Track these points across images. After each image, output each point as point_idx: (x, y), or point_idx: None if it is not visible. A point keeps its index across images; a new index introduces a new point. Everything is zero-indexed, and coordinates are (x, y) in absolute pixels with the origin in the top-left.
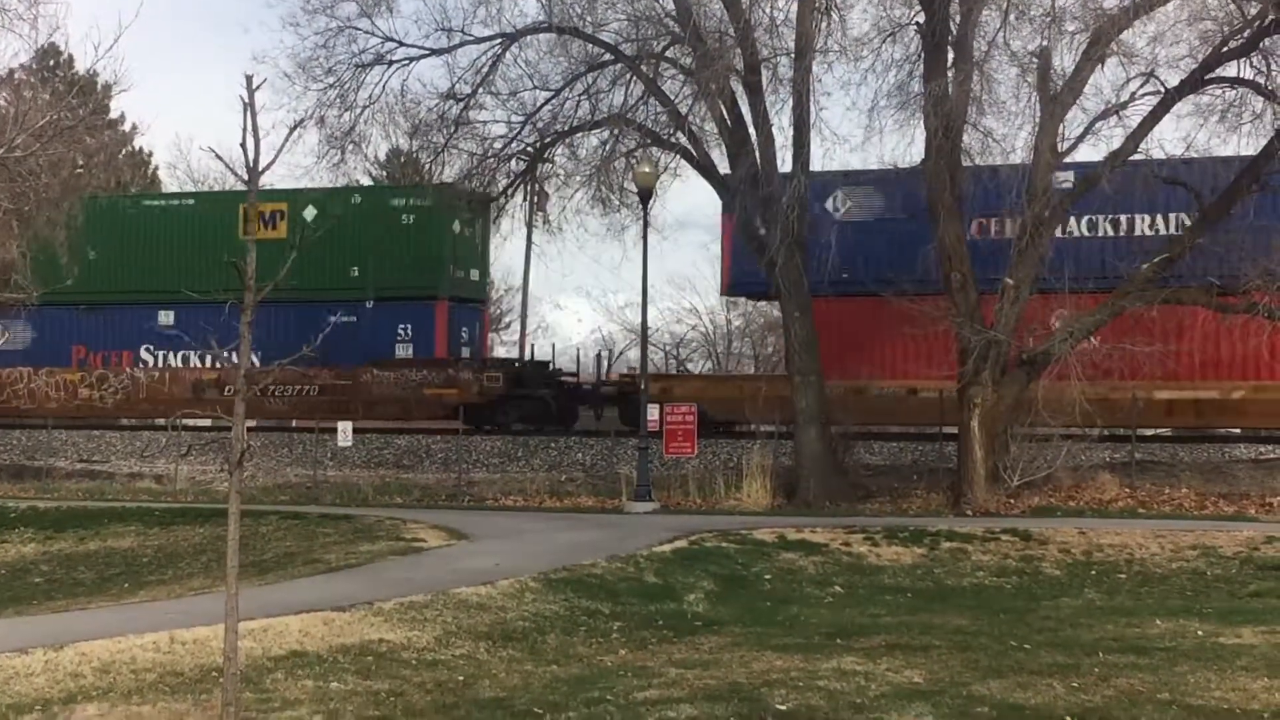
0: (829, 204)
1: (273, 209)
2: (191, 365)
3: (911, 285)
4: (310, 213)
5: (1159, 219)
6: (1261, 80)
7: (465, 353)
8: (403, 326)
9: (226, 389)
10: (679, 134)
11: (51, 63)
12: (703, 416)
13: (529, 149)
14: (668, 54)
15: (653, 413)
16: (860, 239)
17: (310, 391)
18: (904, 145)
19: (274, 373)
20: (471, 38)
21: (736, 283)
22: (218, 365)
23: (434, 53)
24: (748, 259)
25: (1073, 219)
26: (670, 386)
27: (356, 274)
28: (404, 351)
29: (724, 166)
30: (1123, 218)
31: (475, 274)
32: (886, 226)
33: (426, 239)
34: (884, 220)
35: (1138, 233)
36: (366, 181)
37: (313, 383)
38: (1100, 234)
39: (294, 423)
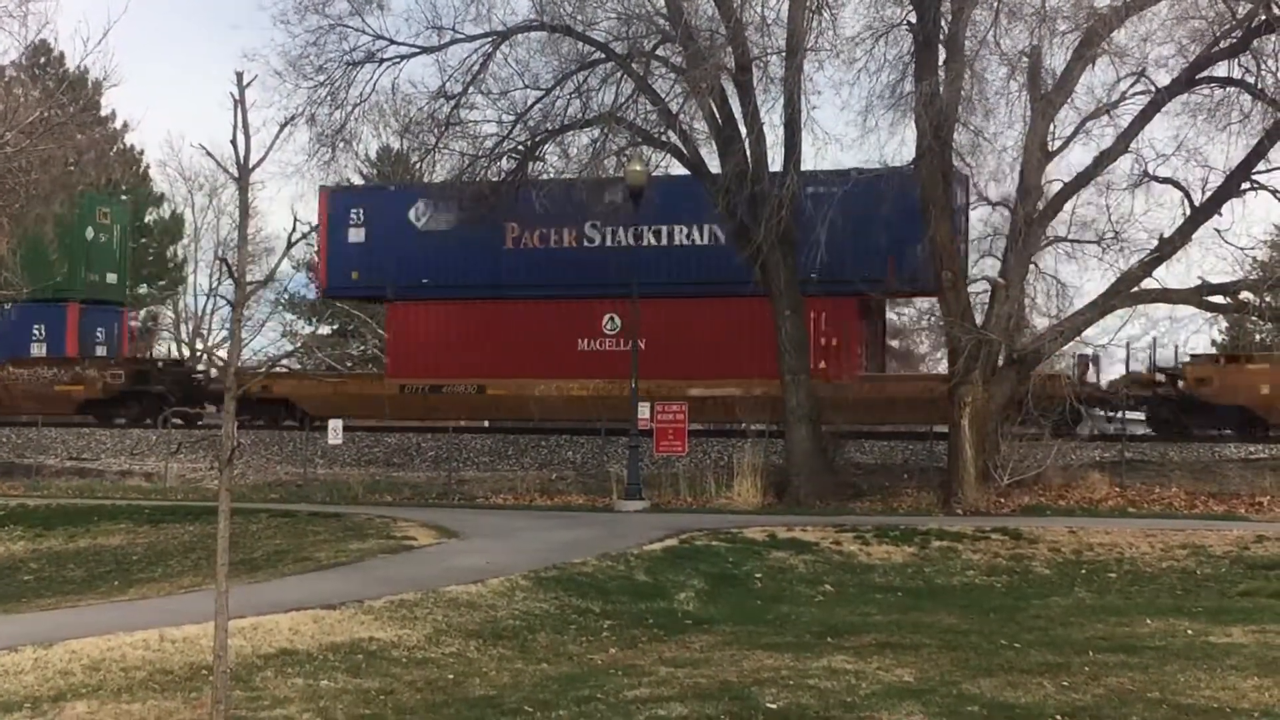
0: (411, 215)
1: None
2: None
3: (490, 290)
4: None
5: (696, 231)
6: (1252, 80)
7: (101, 352)
8: (37, 327)
9: None
10: (670, 132)
11: (42, 60)
12: (299, 411)
13: (520, 147)
14: (658, 52)
15: (643, 411)
16: (440, 248)
17: None
18: (896, 144)
19: None
20: (462, 36)
21: (333, 287)
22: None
23: (425, 51)
24: (343, 264)
25: (622, 229)
26: (270, 384)
27: None
28: (39, 350)
29: (714, 165)
30: (663, 228)
31: (113, 278)
32: (463, 235)
33: (60, 244)
34: (460, 229)
35: (678, 242)
36: (358, 180)
37: None
38: (646, 243)
39: (286, 421)
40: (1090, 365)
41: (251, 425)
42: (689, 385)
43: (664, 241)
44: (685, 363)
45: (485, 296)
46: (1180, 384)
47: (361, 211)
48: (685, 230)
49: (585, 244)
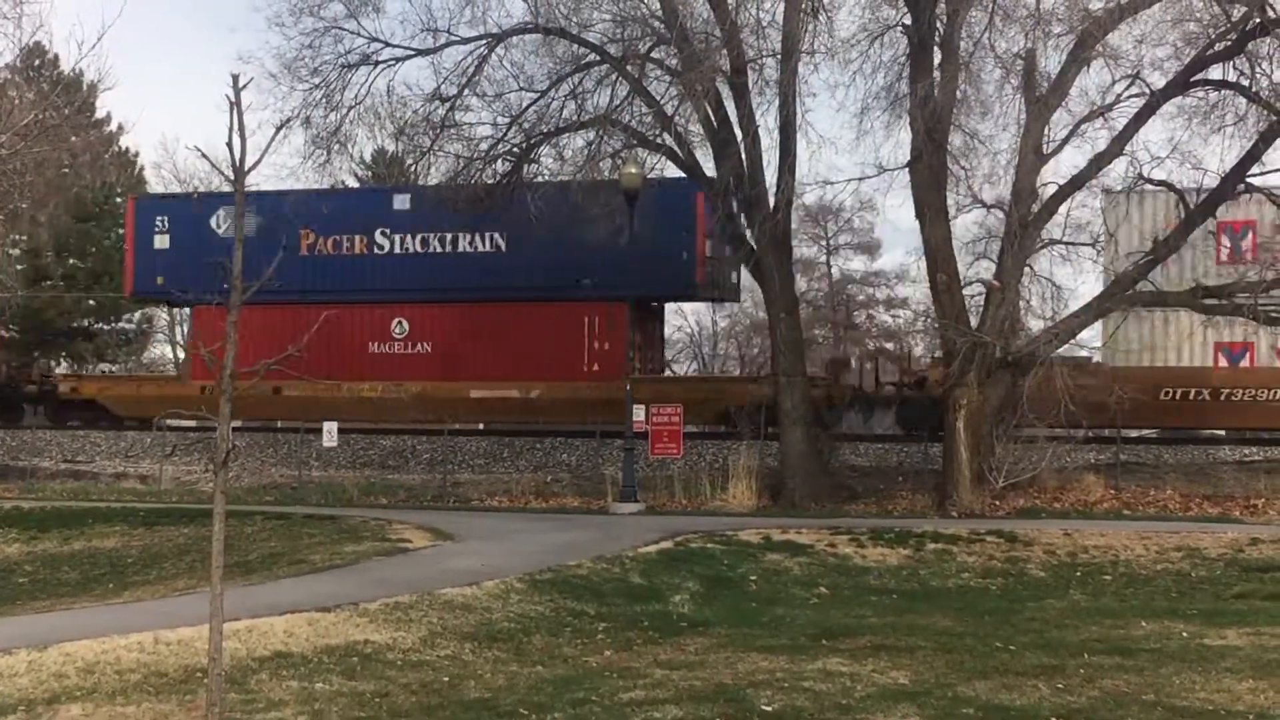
0: (213, 223)
1: None
2: None
3: (286, 295)
4: None
5: (477, 238)
6: (1246, 83)
7: None
8: None
9: None
10: (665, 135)
11: (37, 62)
12: (108, 411)
13: (515, 150)
14: (653, 55)
15: (638, 413)
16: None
17: None
18: (892, 147)
19: None
20: (457, 38)
21: (139, 290)
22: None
23: (420, 53)
24: (149, 269)
25: (410, 237)
26: (79, 386)
27: None
28: None
29: (710, 167)
30: (448, 236)
31: None
32: (260, 242)
33: None
34: (258, 237)
35: (460, 249)
36: (353, 182)
37: None
38: (432, 250)
39: (279, 423)
40: (845, 367)
41: (67, 426)
42: (470, 387)
43: (448, 248)
44: (469, 365)
45: (282, 301)
46: (925, 385)
47: (166, 219)
48: (469, 237)
49: (375, 250)
